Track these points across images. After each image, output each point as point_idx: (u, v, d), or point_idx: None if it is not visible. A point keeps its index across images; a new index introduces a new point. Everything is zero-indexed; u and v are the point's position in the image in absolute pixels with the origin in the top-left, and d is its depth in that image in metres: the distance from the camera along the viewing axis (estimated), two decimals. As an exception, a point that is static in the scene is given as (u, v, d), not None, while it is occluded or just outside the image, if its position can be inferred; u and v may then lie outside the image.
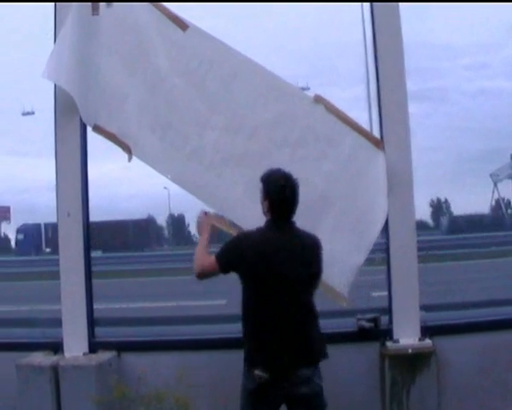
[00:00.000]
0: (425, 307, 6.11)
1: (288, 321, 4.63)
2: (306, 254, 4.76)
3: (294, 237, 4.78)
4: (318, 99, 5.76)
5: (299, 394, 4.64)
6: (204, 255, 4.91)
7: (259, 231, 4.78)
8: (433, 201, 52.29)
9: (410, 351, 5.68)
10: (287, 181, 4.76)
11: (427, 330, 5.90)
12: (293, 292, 4.64)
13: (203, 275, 4.84)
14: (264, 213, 4.83)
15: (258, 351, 4.68)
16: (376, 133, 5.95)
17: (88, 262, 6.09)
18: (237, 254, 4.73)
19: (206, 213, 5.31)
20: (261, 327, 4.68)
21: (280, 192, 4.74)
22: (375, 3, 5.99)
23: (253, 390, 4.66)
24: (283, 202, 4.75)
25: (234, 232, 5.31)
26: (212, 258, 4.80)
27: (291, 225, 4.80)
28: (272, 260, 4.63)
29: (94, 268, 6.27)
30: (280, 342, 4.62)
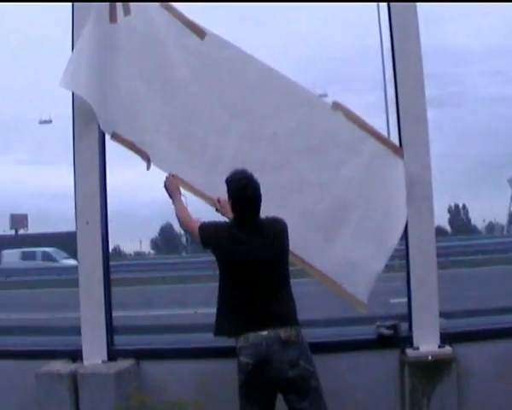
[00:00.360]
0: (444, 314, 6.08)
1: (257, 294, 4.93)
2: (268, 240, 5.04)
3: (256, 231, 5.05)
4: (337, 106, 5.74)
5: (286, 378, 4.79)
6: (190, 218, 5.41)
7: (226, 225, 5.23)
8: (450, 207, 52.12)
9: (429, 358, 5.64)
10: (248, 181, 5.02)
11: (447, 337, 5.85)
12: (257, 275, 4.95)
13: (189, 234, 5.45)
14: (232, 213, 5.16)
15: (230, 321, 5.01)
16: (394, 139, 5.93)
17: (107, 270, 6.09)
18: (212, 240, 5.16)
19: (173, 176, 5.69)
20: (232, 302, 5.04)
21: (241, 191, 5.03)
22: (392, 4, 5.94)
23: (244, 381, 4.85)
24: (245, 200, 5.03)
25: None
26: (196, 226, 5.23)
27: (256, 222, 5.07)
28: (235, 255, 5.01)
29: (112, 276, 6.28)
30: (250, 311, 4.92)
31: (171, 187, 5.64)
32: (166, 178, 5.68)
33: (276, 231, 5.10)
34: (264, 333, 4.81)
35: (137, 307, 14.40)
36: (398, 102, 5.95)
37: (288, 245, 5.14)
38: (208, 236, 5.17)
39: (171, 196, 5.64)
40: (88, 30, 5.87)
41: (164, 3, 5.87)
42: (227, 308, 5.06)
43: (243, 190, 5.02)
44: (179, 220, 5.49)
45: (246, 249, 4.97)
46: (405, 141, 5.85)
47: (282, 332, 4.82)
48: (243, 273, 4.97)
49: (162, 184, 5.71)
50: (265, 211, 5.17)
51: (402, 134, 5.88)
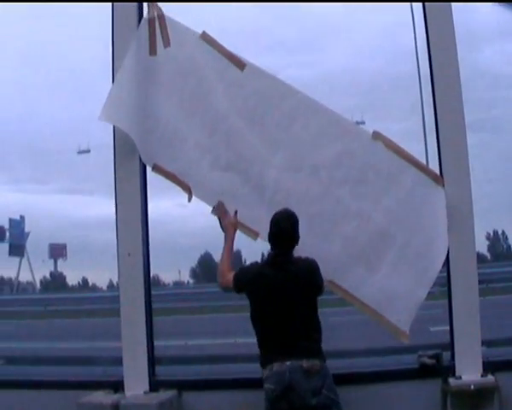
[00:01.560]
0: (486, 343, 6.03)
1: (282, 328, 5.08)
2: (299, 279, 5.13)
3: (284, 267, 5.17)
4: (377, 136, 5.75)
5: (310, 405, 4.88)
6: (227, 271, 5.48)
7: (259, 264, 5.39)
8: (489, 233, 51.58)
9: (472, 387, 5.59)
10: (282, 215, 5.21)
11: (490, 366, 5.78)
12: (282, 309, 5.08)
13: (225, 288, 5.50)
14: None
15: (261, 354, 5.16)
16: (433, 166, 5.92)
17: (148, 301, 6.12)
18: (242, 283, 5.31)
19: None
20: (260, 336, 5.19)
21: (274, 226, 5.22)
22: (430, 28, 5.96)
23: (270, 408, 4.99)
24: (276, 235, 5.20)
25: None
26: (231, 277, 5.37)
27: (290, 259, 5.21)
28: (260, 290, 5.18)
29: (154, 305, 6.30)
30: (275, 343, 5.09)
31: (226, 224, 5.70)
32: (217, 207, 5.74)
33: (303, 268, 5.18)
34: (288, 363, 4.94)
35: (176, 337, 14.39)
36: (437, 129, 5.94)
37: (316, 283, 5.21)
38: (240, 280, 5.34)
39: (223, 231, 5.71)
40: (128, 62, 5.94)
41: (203, 35, 5.93)
42: (259, 341, 5.20)
43: (275, 225, 5.20)
44: (218, 270, 5.60)
45: (271, 283, 5.12)
46: (446, 168, 5.83)
47: (305, 362, 4.93)
48: (269, 307, 5.12)
49: (210, 212, 5.79)
50: (307, 242, 5.19)
51: (442, 161, 5.86)
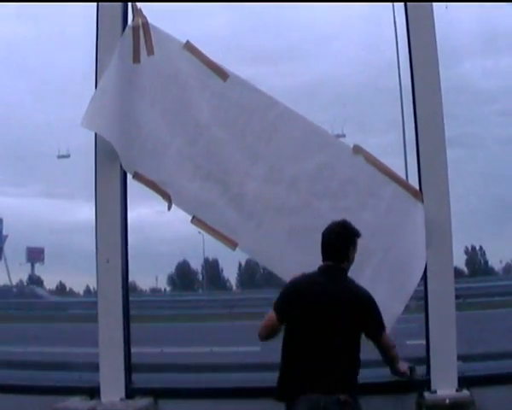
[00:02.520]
0: (462, 357, 6.06)
1: (319, 357, 4.87)
2: (351, 304, 4.96)
3: (342, 285, 5.03)
4: (358, 149, 5.78)
5: None
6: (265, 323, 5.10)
7: (307, 274, 5.08)
8: (467, 248, 51.87)
9: (447, 402, 5.61)
10: (331, 226, 5.13)
11: (465, 381, 5.80)
12: (328, 336, 4.87)
13: (266, 335, 5.09)
14: None
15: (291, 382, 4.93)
16: (412, 181, 5.96)
17: (126, 308, 6.11)
18: (285, 300, 5.04)
19: None
20: (294, 364, 4.96)
21: (324, 236, 5.10)
22: (412, 41, 5.98)
23: None
24: (324, 245, 5.09)
25: None
26: (270, 312, 5.04)
27: (341, 273, 5.08)
28: (312, 300, 4.93)
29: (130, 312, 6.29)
30: (309, 377, 4.85)
31: None
32: None
33: (360, 291, 5.09)
34: (320, 395, 4.79)
35: (152, 344, 14.38)
36: (417, 144, 5.96)
37: (364, 322, 5.07)
38: (281, 308, 5.05)
39: None
40: (111, 69, 5.92)
41: (187, 44, 5.94)
42: (287, 367, 5.01)
43: (325, 233, 5.15)
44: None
45: (321, 291, 4.97)
46: (425, 183, 5.87)
47: (342, 396, 4.81)
48: (315, 321, 4.92)
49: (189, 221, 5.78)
50: (286, 253, 5.19)
51: (422, 176, 5.90)
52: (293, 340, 4.98)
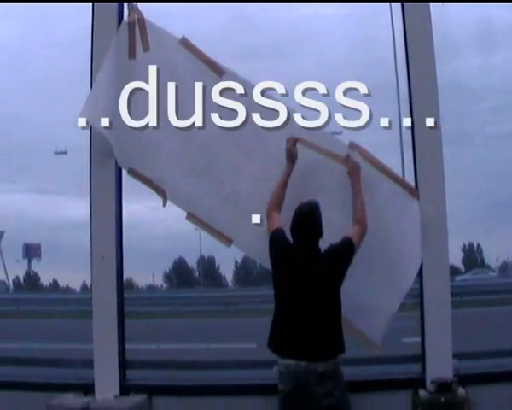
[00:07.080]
0: (458, 355, 6.05)
1: (304, 321, 5.06)
2: (320, 266, 5.18)
3: (312, 257, 5.21)
4: (353, 146, 5.75)
5: (321, 406, 4.97)
6: (272, 208, 5.46)
7: (291, 244, 5.29)
8: (465, 245, 51.80)
9: (442, 400, 5.61)
10: (301, 208, 5.24)
11: (461, 379, 5.80)
12: (307, 299, 5.10)
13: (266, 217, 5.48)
14: None
15: (277, 340, 5.16)
16: (408, 178, 5.95)
17: (121, 304, 6.11)
18: (275, 249, 5.35)
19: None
20: (281, 316, 5.20)
21: (294, 218, 5.25)
22: (409, 39, 6.01)
23: (282, 407, 5.11)
24: (296, 228, 5.25)
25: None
26: (272, 227, 5.40)
27: (312, 249, 5.23)
28: (289, 273, 5.21)
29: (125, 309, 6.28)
30: (295, 336, 5.07)
31: (289, 155, 5.59)
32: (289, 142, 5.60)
33: (329, 256, 5.23)
34: (304, 364, 4.96)
35: (148, 341, 14.34)
36: (414, 142, 5.96)
37: (340, 269, 5.24)
38: (274, 242, 5.34)
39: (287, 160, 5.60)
40: (107, 64, 5.90)
41: (182, 40, 5.92)
42: (277, 325, 5.21)
43: (298, 210, 5.25)
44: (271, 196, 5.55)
45: (300, 270, 5.15)
46: (421, 181, 5.87)
47: (320, 366, 4.96)
48: (294, 295, 5.13)
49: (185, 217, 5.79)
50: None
51: (418, 174, 5.90)
52: (279, 299, 5.24)
